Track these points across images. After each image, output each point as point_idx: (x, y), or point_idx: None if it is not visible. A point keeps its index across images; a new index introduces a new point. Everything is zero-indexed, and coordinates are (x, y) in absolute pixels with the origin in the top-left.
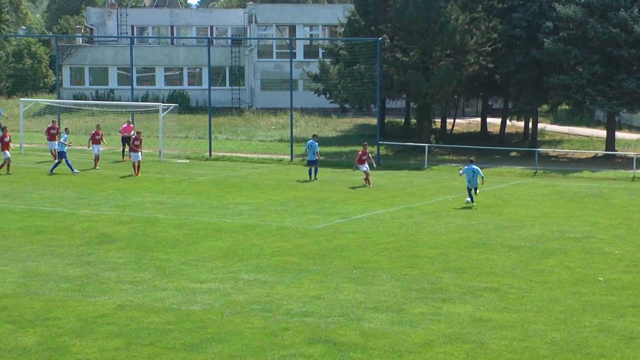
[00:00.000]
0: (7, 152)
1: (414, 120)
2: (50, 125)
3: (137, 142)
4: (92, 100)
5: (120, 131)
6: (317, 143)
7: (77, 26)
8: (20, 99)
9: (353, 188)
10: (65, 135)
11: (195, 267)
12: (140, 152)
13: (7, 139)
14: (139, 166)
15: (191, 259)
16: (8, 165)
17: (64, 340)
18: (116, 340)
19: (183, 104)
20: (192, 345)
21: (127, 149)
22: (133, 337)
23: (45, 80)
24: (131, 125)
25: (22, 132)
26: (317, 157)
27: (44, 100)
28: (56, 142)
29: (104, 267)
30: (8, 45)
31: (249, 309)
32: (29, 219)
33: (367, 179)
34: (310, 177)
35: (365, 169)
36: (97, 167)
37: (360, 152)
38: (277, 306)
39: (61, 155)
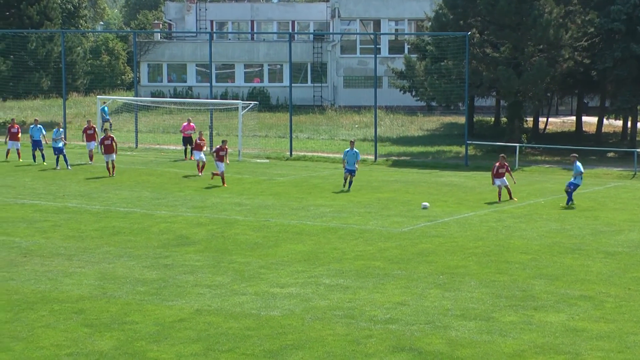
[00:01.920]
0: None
1: (504, 119)
2: (86, 126)
3: (201, 142)
4: (170, 97)
5: (180, 131)
6: (357, 151)
7: (156, 21)
8: (98, 96)
9: (438, 190)
10: (61, 130)
11: (275, 271)
12: (203, 153)
13: (90, 132)
14: (222, 175)
15: (271, 262)
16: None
17: (141, 345)
18: (194, 346)
19: (263, 102)
20: (272, 352)
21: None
22: (211, 343)
23: (123, 77)
24: (192, 124)
25: (99, 130)
26: (356, 167)
27: (121, 97)
28: (93, 142)
29: (181, 270)
30: (86, 42)
31: (331, 315)
32: (105, 220)
33: (508, 193)
34: (344, 187)
35: (499, 183)
36: (92, 162)
37: (497, 164)
38: (360, 312)
39: (58, 150)
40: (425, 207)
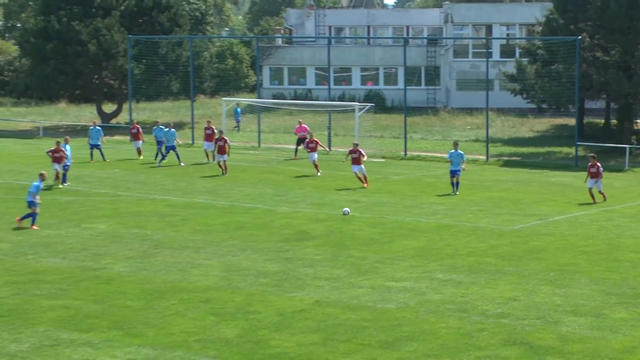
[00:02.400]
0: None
1: (614, 121)
2: (205, 126)
3: (312, 145)
4: (290, 99)
5: (294, 132)
6: (462, 152)
7: (277, 27)
8: (223, 98)
9: (549, 190)
10: (172, 130)
11: (390, 266)
12: (316, 153)
13: (209, 132)
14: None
15: (386, 257)
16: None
17: (264, 334)
18: (313, 336)
19: (379, 104)
20: (387, 342)
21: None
22: (329, 333)
23: (246, 80)
24: (303, 125)
25: (224, 131)
26: (462, 168)
27: (245, 99)
28: (212, 143)
29: (301, 263)
30: (212, 47)
31: (444, 309)
32: (230, 215)
33: (602, 194)
34: (453, 191)
35: (590, 185)
36: (209, 161)
37: (589, 164)
38: (472, 307)
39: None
40: (345, 213)
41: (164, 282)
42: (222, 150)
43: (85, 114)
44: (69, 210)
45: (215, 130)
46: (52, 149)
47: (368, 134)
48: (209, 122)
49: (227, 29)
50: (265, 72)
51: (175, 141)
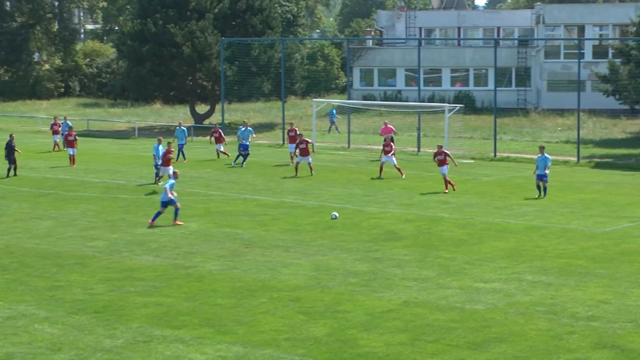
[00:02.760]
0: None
1: None
2: (289, 128)
3: (387, 149)
4: (380, 100)
5: (380, 133)
6: (548, 156)
7: (368, 29)
8: (313, 99)
9: None
10: (249, 129)
11: (478, 267)
12: (392, 155)
13: (292, 134)
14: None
15: (475, 258)
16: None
17: (352, 333)
18: (401, 336)
19: (468, 105)
20: (476, 344)
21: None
22: (417, 333)
23: (337, 81)
24: (389, 126)
25: (314, 131)
26: (547, 172)
27: (335, 100)
28: (293, 145)
29: (389, 263)
30: (303, 48)
31: (533, 311)
32: (319, 215)
33: None
34: (540, 194)
35: None
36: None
37: None
38: (562, 309)
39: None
40: (334, 217)
41: (254, 280)
42: (305, 152)
43: (179, 115)
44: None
45: (298, 133)
46: (165, 149)
47: (457, 135)
48: (291, 124)
49: (318, 30)
50: (356, 74)
51: (250, 138)
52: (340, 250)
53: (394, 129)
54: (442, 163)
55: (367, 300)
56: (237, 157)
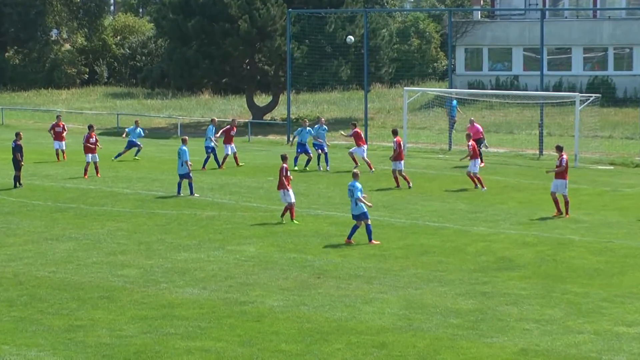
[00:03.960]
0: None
1: None
2: (354, 130)
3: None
4: (491, 89)
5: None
6: None
7: None
8: (405, 87)
9: None
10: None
11: (620, 305)
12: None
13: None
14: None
15: (614, 294)
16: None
17: None
18: None
19: (607, 94)
20: None
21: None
22: None
23: (435, 64)
24: (476, 124)
25: (405, 129)
26: None
27: (432, 89)
28: (363, 148)
29: (502, 299)
30: (392, 23)
31: None
32: (412, 236)
33: None
34: None
35: None
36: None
37: None
38: None
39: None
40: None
41: (327, 320)
42: (399, 157)
43: (234, 108)
44: (211, 229)
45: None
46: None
47: (592, 133)
48: (353, 124)
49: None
50: (460, 55)
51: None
52: (438, 282)
53: (481, 128)
54: (560, 175)
55: (473, 347)
56: (307, 160)
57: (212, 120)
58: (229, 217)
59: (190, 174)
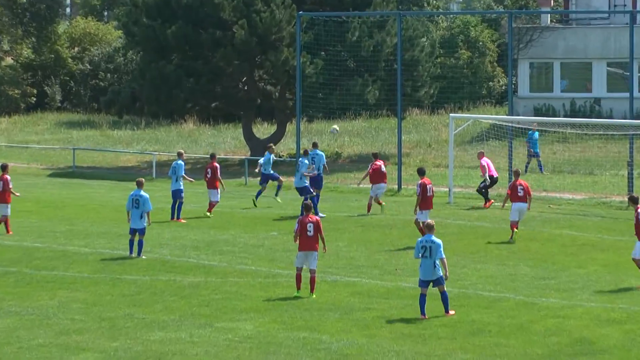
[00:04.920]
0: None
1: None
2: (373, 166)
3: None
4: (564, 116)
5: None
6: None
7: None
8: (451, 114)
9: None
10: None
11: None
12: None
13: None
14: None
15: None
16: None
17: None
18: None
19: None
20: None
21: None
22: None
23: (491, 84)
24: (484, 160)
25: (450, 167)
26: None
27: (487, 116)
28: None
29: None
30: (435, 29)
31: None
32: (460, 310)
33: None
34: None
35: None
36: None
37: None
38: None
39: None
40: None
41: None
42: (425, 204)
43: (227, 141)
44: (194, 300)
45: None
46: None
47: None
48: (376, 155)
49: (459, 0)
50: (523, 71)
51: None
52: None
53: (489, 165)
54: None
55: None
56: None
57: (180, 153)
58: (219, 284)
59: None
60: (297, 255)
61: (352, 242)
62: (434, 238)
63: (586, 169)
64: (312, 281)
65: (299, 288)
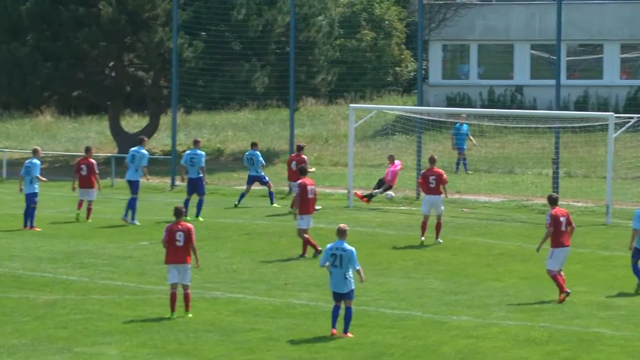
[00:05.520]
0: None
1: None
2: (294, 154)
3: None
4: (481, 107)
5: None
6: None
7: None
8: (351, 104)
9: None
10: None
11: None
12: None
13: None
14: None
15: None
16: None
17: None
18: None
19: None
20: None
21: None
22: None
23: (398, 69)
24: (396, 164)
25: (350, 164)
26: None
27: (392, 107)
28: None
29: None
30: (332, 6)
31: None
32: (358, 331)
33: None
34: None
35: None
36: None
37: None
38: None
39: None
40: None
41: None
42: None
43: (90, 136)
44: (50, 321)
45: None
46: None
47: (633, 173)
48: (300, 148)
49: None
50: (435, 54)
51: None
52: None
53: (396, 168)
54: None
55: None
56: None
57: (36, 151)
58: (79, 302)
59: None
60: (168, 270)
61: (235, 253)
62: (345, 245)
63: (505, 167)
64: (187, 298)
65: (173, 310)
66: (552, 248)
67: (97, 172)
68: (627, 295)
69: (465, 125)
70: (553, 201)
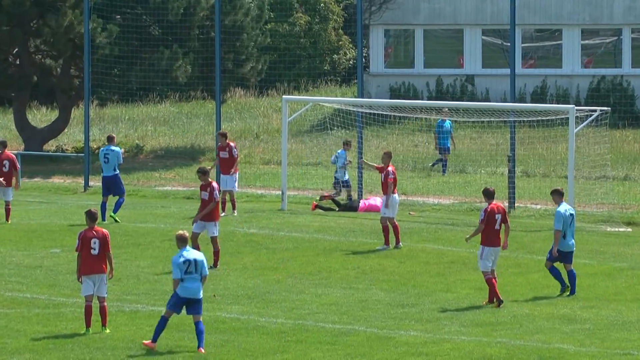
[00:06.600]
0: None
1: None
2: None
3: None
4: (428, 99)
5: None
6: None
7: None
8: (284, 96)
9: None
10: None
11: None
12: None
13: None
14: None
15: None
16: None
17: None
18: None
19: (621, 107)
20: None
21: None
22: None
23: (335, 57)
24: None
25: (284, 162)
26: None
27: (329, 99)
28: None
29: None
30: None
31: None
32: (295, 347)
33: None
34: None
35: None
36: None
37: None
38: None
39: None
40: None
41: None
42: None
43: None
44: None
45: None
46: None
47: (597, 172)
48: (223, 135)
49: None
50: (376, 40)
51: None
52: None
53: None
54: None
55: None
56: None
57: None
58: None
59: None
60: (81, 281)
61: (158, 261)
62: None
63: (456, 166)
64: (103, 312)
65: (88, 325)
66: (482, 246)
67: (18, 167)
68: (592, 308)
69: (447, 121)
70: (489, 195)
